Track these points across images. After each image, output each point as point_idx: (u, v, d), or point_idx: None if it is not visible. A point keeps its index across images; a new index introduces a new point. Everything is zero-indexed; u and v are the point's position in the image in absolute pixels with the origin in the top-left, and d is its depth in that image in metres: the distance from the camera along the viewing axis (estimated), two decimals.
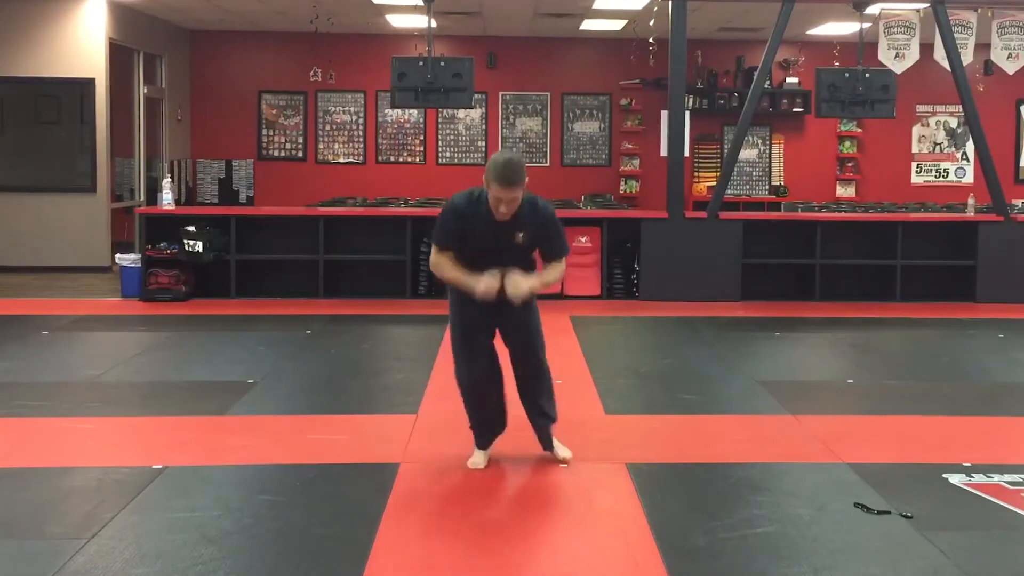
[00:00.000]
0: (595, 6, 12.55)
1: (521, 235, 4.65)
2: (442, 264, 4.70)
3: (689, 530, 4.11)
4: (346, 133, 15.52)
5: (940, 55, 10.68)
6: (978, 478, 4.74)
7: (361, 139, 15.53)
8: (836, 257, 10.64)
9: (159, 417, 5.87)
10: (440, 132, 15.55)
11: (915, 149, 15.81)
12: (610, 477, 4.73)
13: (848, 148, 15.74)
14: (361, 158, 15.54)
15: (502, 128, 15.55)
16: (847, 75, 10.78)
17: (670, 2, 10.49)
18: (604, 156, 15.71)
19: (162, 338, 8.30)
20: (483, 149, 15.55)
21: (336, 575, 3.68)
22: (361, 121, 15.52)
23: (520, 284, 4.57)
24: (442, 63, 10.20)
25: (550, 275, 4.78)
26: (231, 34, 15.27)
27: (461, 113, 15.34)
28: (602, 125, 15.67)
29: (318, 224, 10.39)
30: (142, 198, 13.56)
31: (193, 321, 9.08)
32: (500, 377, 4.88)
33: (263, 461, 4.98)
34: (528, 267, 4.76)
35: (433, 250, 4.75)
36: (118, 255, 10.68)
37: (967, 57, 10.74)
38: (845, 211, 11.83)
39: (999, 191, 10.75)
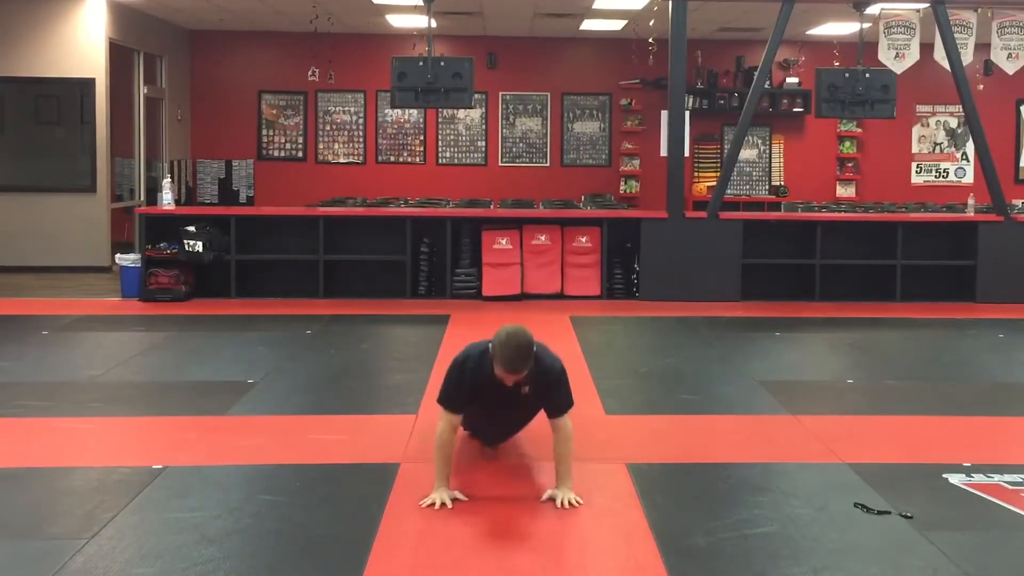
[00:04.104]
0: (595, 6, 12.55)
1: (527, 388, 4.48)
2: (443, 444, 4.43)
3: (689, 530, 4.10)
4: (346, 133, 15.53)
5: (940, 55, 10.68)
6: (978, 478, 4.74)
7: (361, 139, 15.53)
8: (836, 257, 10.63)
9: (159, 417, 5.88)
10: (440, 132, 15.56)
11: (915, 149, 15.81)
12: (610, 477, 4.73)
13: (848, 148, 15.74)
14: (361, 158, 15.54)
15: (502, 128, 15.55)
16: (847, 75, 10.77)
17: (670, 2, 10.49)
18: (604, 156, 15.71)
19: (162, 338, 8.30)
20: (483, 149, 15.56)
21: (336, 575, 3.69)
22: (361, 121, 15.52)
23: (565, 500, 4.36)
24: (442, 63, 10.20)
25: (567, 456, 4.47)
26: (231, 34, 15.27)
27: (461, 113, 15.34)
28: (602, 125, 15.67)
29: (318, 224, 10.39)
30: (142, 198, 13.57)
31: (193, 321, 9.08)
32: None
33: (263, 461, 4.98)
34: (529, 420, 4.81)
35: (443, 418, 4.49)
36: (118, 255, 10.67)
37: (967, 57, 10.74)
38: (845, 211, 11.83)
39: (999, 191, 10.75)
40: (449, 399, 4.52)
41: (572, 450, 4.50)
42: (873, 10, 11.02)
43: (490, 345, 4.39)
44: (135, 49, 13.31)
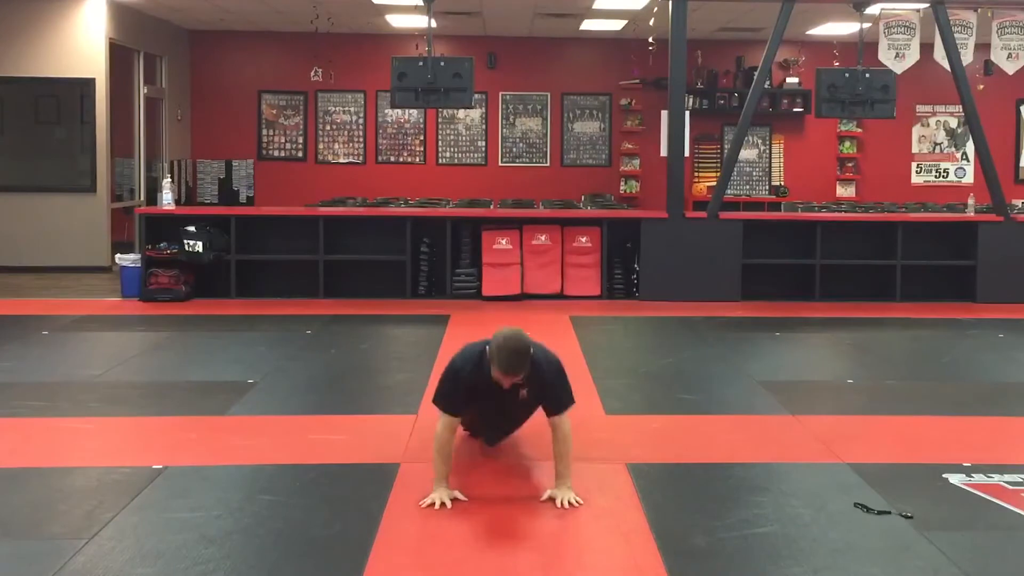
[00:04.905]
0: (595, 6, 12.55)
1: (525, 391, 4.51)
2: (442, 445, 4.42)
3: (689, 530, 4.11)
4: (346, 133, 15.52)
5: (940, 55, 10.68)
6: (978, 478, 4.74)
7: (361, 139, 15.53)
8: (836, 257, 10.63)
9: (159, 417, 5.87)
10: (440, 132, 15.55)
11: (915, 149, 15.81)
12: (610, 477, 4.72)
13: (848, 148, 15.74)
14: (361, 158, 15.54)
15: (502, 128, 15.55)
16: (847, 75, 10.77)
17: (670, 2, 10.49)
18: (604, 156, 15.70)
19: (162, 338, 8.30)
20: (483, 149, 15.55)
21: (336, 575, 3.69)
22: (361, 121, 15.52)
23: (565, 500, 4.36)
24: (442, 63, 10.19)
25: (566, 455, 4.46)
26: (231, 34, 15.27)
27: (461, 113, 15.34)
28: (602, 125, 15.67)
29: (318, 224, 10.39)
30: (142, 198, 13.56)
31: (193, 321, 9.07)
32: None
33: (263, 461, 4.98)
34: (529, 416, 4.82)
35: (441, 420, 4.46)
36: (118, 255, 10.68)
37: (967, 57, 10.74)
38: (845, 211, 11.83)
39: (999, 191, 10.75)
40: (445, 400, 4.51)
41: (571, 450, 4.50)
42: (873, 10, 11.02)
43: (487, 347, 4.39)
44: (135, 49, 13.30)
